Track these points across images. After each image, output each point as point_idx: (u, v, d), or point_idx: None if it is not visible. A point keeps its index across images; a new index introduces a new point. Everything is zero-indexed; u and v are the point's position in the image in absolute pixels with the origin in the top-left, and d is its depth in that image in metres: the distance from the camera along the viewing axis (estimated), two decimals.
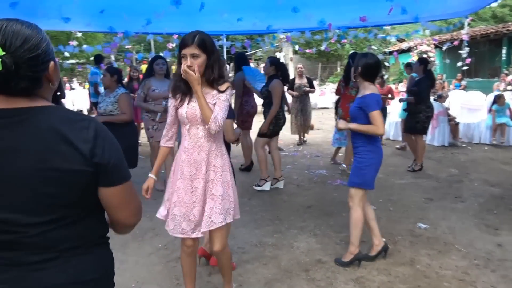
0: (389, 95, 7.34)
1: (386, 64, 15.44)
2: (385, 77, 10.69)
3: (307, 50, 9.36)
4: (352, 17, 5.50)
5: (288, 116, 6.71)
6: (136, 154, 4.36)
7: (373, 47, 14.41)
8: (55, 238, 1.01)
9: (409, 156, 6.51)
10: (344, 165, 5.58)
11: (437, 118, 7.19)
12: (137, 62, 13.98)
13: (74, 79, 17.60)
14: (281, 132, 5.11)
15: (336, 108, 6.00)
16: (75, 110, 11.68)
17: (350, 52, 6.43)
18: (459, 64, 7.51)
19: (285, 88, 5.96)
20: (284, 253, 3.18)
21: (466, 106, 8.44)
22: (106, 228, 1.17)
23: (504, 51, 13.30)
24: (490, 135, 7.62)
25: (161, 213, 2.29)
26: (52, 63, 1.03)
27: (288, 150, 7.28)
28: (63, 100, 6.36)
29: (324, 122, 10.75)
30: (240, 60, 5.42)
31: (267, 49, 16.53)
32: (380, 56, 9.73)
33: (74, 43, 6.91)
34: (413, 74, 6.67)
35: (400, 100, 6.13)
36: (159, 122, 4.48)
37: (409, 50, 15.82)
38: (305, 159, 6.59)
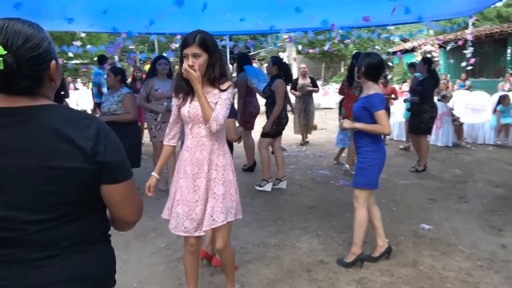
0: (392, 95, 7.31)
1: (390, 64, 15.38)
2: (389, 77, 10.65)
3: (310, 50, 9.33)
4: (355, 17, 5.48)
5: (291, 116, 6.71)
6: (139, 153, 4.37)
7: (376, 47, 14.36)
8: (56, 235, 1.02)
9: (412, 156, 6.48)
10: (347, 166, 5.57)
11: (441, 118, 7.16)
12: (141, 62, 14.03)
13: (78, 79, 17.68)
14: (284, 132, 5.11)
15: (340, 108, 5.98)
16: (79, 110, 11.72)
17: (354, 52, 6.41)
18: (463, 64, 7.46)
19: (288, 88, 5.96)
20: (287, 254, 3.17)
21: (471, 106, 8.39)
22: (107, 225, 1.18)
23: (509, 51, 13.22)
24: (494, 135, 7.57)
25: (165, 213, 2.31)
26: (53, 62, 1.04)
27: (291, 150, 7.27)
28: (67, 100, 6.41)
29: (328, 123, 10.73)
30: (243, 61, 5.42)
31: (271, 49, 16.52)
32: (384, 56, 9.69)
33: (78, 43, 6.94)
34: (416, 74, 6.64)
35: (405, 101, 6.09)
36: (161, 122, 4.49)
37: (413, 50, 15.74)
38: (308, 159, 6.58)
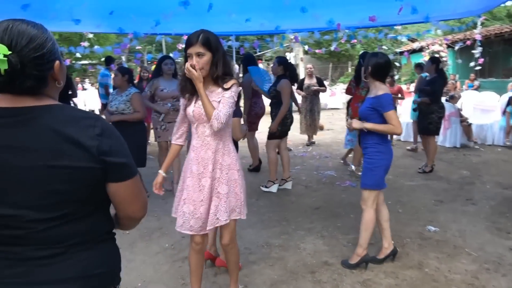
0: (399, 95, 7.26)
1: (397, 64, 15.26)
2: (396, 77, 10.57)
3: (317, 51, 9.30)
4: (361, 17, 5.44)
5: (297, 116, 6.69)
6: (144, 153, 4.39)
7: (384, 47, 14.26)
8: (62, 233, 1.03)
9: (419, 157, 6.43)
10: (353, 166, 5.53)
11: (449, 119, 7.09)
12: (148, 62, 14.11)
13: (86, 80, 17.84)
14: (290, 132, 5.09)
15: (348, 108, 5.95)
16: (87, 110, 11.85)
17: (361, 52, 6.38)
18: (472, 64, 7.39)
19: (294, 88, 5.94)
20: (291, 255, 3.16)
21: (479, 106, 8.29)
22: (112, 223, 1.20)
23: None
24: (503, 136, 7.48)
25: (173, 211, 2.33)
26: (57, 62, 1.05)
27: (297, 151, 7.25)
28: (75, 100, 6.46)
29: (334, 123, 10.68)
30: (248, 61, 5.42)
31: (277, 50, 16.50)
32: (391, 56, 9.62)
33: (86, 44, 6.99)
34: (423, 74, 6.58)
35: (415, 102, 5.98)
36: (167, 122, 4.51)
37: (420, 50, 15.62)
38: (314, 160, 6.55)
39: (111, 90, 6.72)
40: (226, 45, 7.17)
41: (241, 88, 2.33)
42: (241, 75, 6.04)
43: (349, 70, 22.46)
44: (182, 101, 2.25)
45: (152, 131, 6.53)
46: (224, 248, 2.41)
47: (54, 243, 1.03)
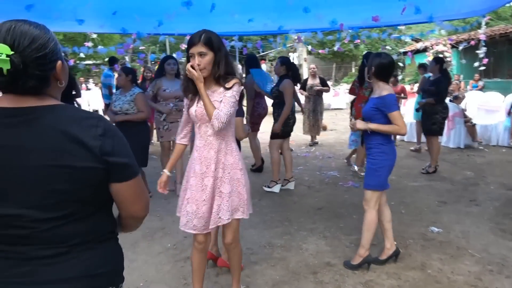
0: (402, 94, 7.22)
1: (401, 64, 15.20)
2: (400, 77, 10.53)
3: (320, 51, 9.28)
4: (364, 17, 5.42)
5: (300, 117, 6.68)
6: (146, 153, 4.39)
7: (387, 47, 14.19)
8: (66, 233, 1.04)
9: (423, 158, 6.41)
10: (356, 167, 5.52)
11: (453, 119, 7.05)
12: (152, 62, 14.13)
13: (90, 80, 17.90)
14: (293, 132, 5.08)
15: (351, 108, 5.93)
16: (91, 110, 11.89)
17: (365, 52, 6.36)
18: (476, 64, 7.33)
19: (297, 88, 5.93)
20: (293, 255, 3.15)
21: (484, 107, 8.24)
22: (115, 223, 1.20)
23: None
24: (508, 137, 7.42)
25: (178, 211, 2.34)
26: (59, 62, 1.06)
27: (300, 151, 7.24)
28: (79, 100, 6.48)
29: (338, 123, 10.66)
30: (251, 62, 5.41)
31: (280, 50, 16.49)
32: (395, 56, 9.57)
33: (90, 44, 7.01)
34: (426, 75, 6.55)
35: (420, 103, 5.91)
36: (169, 122, 4.52)
37: (424, 50, 15.55)
38: (317, 160, 6.54)
39: (114, 91, 6.74)
40: (229, 45, 7.16)
41: (243, 87, 2.34)
42: (244, 75, 6.04)
43: (353, 70, 22.40)
44: (185, 101, 2.26)
45: (155, 131, 6.55)
46: (226, 248, 2.42)
47: (58, 243, 1.03)
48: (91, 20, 5.35)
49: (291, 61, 5.40)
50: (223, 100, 2.09)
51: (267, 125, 4.96)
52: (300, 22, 5.89)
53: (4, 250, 1.02)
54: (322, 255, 3.15)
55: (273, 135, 4.83)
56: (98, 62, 16.08)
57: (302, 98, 7.25)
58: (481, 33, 7.07)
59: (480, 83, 11.83)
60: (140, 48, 7.88)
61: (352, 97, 5.87)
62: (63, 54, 1.11)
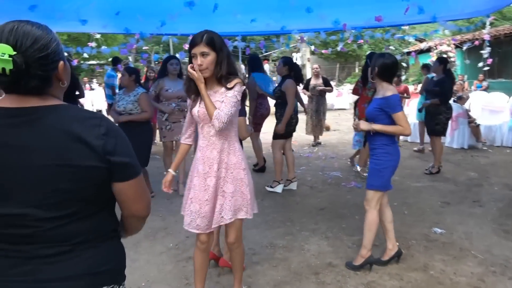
0: (405, 94, 7.19)
1: (404, 64, 15.14)
2: (403, 77, 10.49)
3: (323, 51, 9.27)
4: (367, 17, 5.40)
5: (303, 117, 6.67)
6: (148, 153, 4.40)
7: (391, 47, 14.16)
8: (69, 232, 1.05)
9: (426, 158, 6.38)
10: (359, 167, 5.50)
11: (456, 120, 7.02)
12: (156, 63, 14.16)
13: (94, 80, 17.97)
14: (296, 132, 5.08)
15: (355, 108, 5.91)
16: (95, 110, 11.94)
17: (368, 52, 6.34)
18: (480, 64, 7.29)
19: (300, 88, 5.92)
20: (295, 256, 3.15)
21: (488, 107, 8.20)
22: (117, 222, 1.21)
23: None
24: None
25: (182, 210, 2.35)
26: (61, 62, 1.06)
27: (303, 151, 7.23)
28: (82, 100, 6.50)
29: (341, 123, 10.64)
30: (253, 62, 5.41)
31: (284, 50, 16.47)
32: (398, 57, 9.55)
33: (93, 44, 7.04)
34: (429, 75, 6.52)
35: (424, 105, 5.88)
36: (172, 122, 4.53)
37: (428, 50, 15.48)
38: (319, 161, 6.53)
39: (117, 91, 6.76)
40: (232, 45, 7.16)
41: (245, 87, 2.34)
42: (247, 75, 6.04)
43: (356, 70, 22.34)
44: (188, 102, 2.28)
45: (157, 131, 6.56)
46: (229, 247, 2.42)
47: (61, 241, 1.04)
48: (94, 21, 5.37)
49: (294, 61, 5.40)
50: (224, 100, 2.09)
51: (269, 125, 4.95)
52: (303, 22, 5.88)
53: (5, 249, 1.03)
54: (324, 255, 3.15)
55: (276, 135, 4.82)
56: (101, 62, 16.15)
57: (305, 98, 7.25)
58: (486, 33, 7.03)
59: (485, 84, 11.77)
60: (144, 48, 7.91)
61: (355, 97, 5.85)
62: (66, 54, 1.12)
